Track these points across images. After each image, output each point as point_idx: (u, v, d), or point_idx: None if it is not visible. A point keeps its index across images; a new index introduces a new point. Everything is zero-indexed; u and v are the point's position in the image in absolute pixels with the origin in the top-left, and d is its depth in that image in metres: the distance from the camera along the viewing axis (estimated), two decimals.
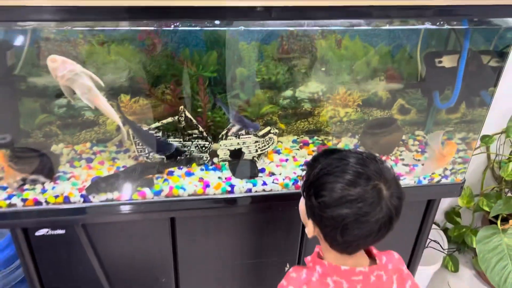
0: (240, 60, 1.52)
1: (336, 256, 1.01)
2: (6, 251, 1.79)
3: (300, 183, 1.11)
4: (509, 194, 2.11)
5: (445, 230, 2.37)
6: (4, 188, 1.38)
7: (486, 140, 2.01)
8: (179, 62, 1.46)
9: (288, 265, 1.66)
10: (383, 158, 1.58)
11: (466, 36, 1.29)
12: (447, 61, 1.42)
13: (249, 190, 1.44)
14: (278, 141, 1.65)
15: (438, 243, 2.25)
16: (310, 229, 1.02)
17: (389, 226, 0.94)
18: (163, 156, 1.48)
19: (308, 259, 1.07)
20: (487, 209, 2.05)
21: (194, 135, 1.48)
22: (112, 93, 1.48)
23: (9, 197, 1.34)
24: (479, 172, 2.30)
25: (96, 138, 1.59)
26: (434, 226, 2.41)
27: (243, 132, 1.48)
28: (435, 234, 2.32)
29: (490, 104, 1.43)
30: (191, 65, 1.44)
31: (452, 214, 2.36)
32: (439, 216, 2.47)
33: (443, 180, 1.53)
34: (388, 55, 1.56)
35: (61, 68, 1.14)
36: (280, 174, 1.49)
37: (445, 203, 2.43)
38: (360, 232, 0.92)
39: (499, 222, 2.00)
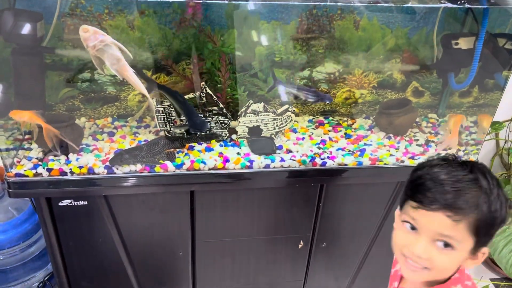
0: (261, 39, 1.55)
1: None
2: (24, 225, 1.83)
3: None
4: None
5: None
6: (29, 159, 1.42)
7: (496, 126, 2.04)
8: (205, 36, 1.49)
9: (301, 242, 1.70)
10: (398, 138, 1.62)
11: (485, 16, 1.32)
12: (463, 43, 1.45)
13: (268, 166, 1.47)
14: (295, 121, 1.68)
15: None
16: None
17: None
18: (192, 132, 1.51)
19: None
20: None
21: (214, 112, 1.51)
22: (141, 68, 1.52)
23: (35, 167, 1.38)
24: (488, 159, 2.33)
25: (117, 113, 1.63)
26: None
27: (261, 109, 1.52)
28: None
29: (504, 87, 1.47)
30: (216, 41, 1.47)
31: None
32: None
33: None
34: (405, 37, 1.59)
35: (93, 38, 1.17)
36: (297, 152, 1.53)
37: None
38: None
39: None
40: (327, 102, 1.58)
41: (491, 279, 2.27)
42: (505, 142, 2.19)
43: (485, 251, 0.90)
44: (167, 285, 1.72)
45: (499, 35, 1.46)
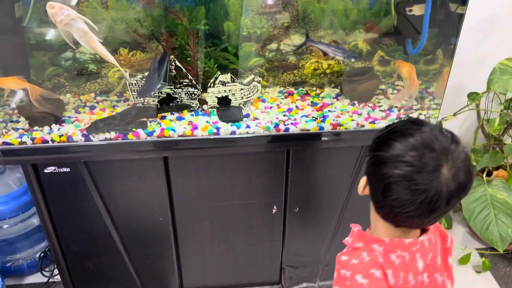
0: (227, 14, 1.65)
1: (387, 230, 0.97)
2: (23, 197, 2.00)
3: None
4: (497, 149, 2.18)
5: None
6: (17, 129, 1.56)
7: (473, 97, 2.09)
8: (172, 14, 1.60)
9: (275, 207, 1.80)
10: (361, 104, 1.69)
11: None
12: (417, 10, 1.51)
13: (233, 132, 1.57)
14: (265, 92, 1.78)
15: None
16: (361, 185, 1.00)
17: (434, 208, 0.87)
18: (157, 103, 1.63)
19: (348, 240, 1.04)
20: (474, 163, 2.12)
21: (184, 83, 1.62)
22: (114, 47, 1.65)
23: (20, 136, 1.52)
24: (471, 131, 2.37)
25: (100, 89, 1.76)
26: None
27: (229, 80, 1.62)
28: None
29: (454, 51, 1.52)
30: (181, 18, 1.58)
31: None
32: None
33: None
34: (365, 7, 1.66)
35: (59, 13, 1.29)
36: (263, 119, 1.62)
37: None
38: (400, 198, 0.87)
39: (484, 174, 2.08)
40: (353, 60, 1.59)
41: (477, 249, 2.31)
42: (485, 113, 2.22)
43: None
44: (152, 249, 1.84)
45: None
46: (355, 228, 1.04)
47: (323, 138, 1.60)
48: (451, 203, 0.88)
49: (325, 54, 1.63)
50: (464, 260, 2.18)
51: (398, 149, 0.88)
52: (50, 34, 1.58)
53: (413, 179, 0.85)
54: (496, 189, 2.02)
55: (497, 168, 2.16)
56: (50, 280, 2.13)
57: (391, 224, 0.96)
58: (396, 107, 1.68)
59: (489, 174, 2.13)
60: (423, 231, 1.01)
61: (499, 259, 2.27)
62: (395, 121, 0.99)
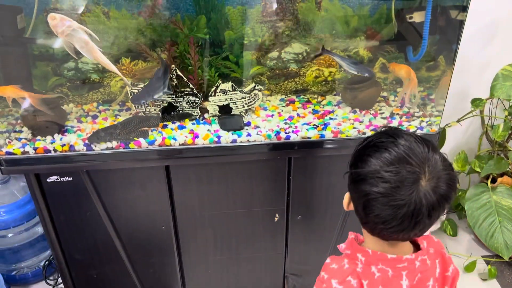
0: (228, 23, 1.66)
1: (376, 243, 0.97)
2: (27, 206, 2.01)
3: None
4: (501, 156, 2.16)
5: None
6: (20, 139, 1.57)
7: (477, 103, 2.07)
8: (172, 24, 1.61)
9: (277, 215, 1.79)
10: (363, 112, 1.69)
11: None
12: (417, 17, 1.51)
13: (234, 141, 1.57)
14: (266, 100, 1.78)
15: None
16: (345, 201, 1.00)
17: (416, 222, 0.86)
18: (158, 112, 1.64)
19: (342, 246, 1.04)
20: (478, 170, 2.11)
21: (185, 92, 1.63)
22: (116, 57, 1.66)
23: (23, 146, 1.54)
24: (475, 137, 2.36)
25: (102, 99, 1.77)
26: None
27: (229, 88, 1.62)
28: None
29: (455, 57, 1.51)
30: (181, 28, 1.59)
31: None
32: None
33: (419, 131, 1.62)
34: (366, 15, 1.66)
35: (60, 24, 1.31)
36: (264, 127, 1.62)
37: None
38: (382, 214, 0.87)
39: (489, 181, 2.06)
40: (367, 75, 1.59)
41: (483, 256, 2.28)
42: (489, 119, 2.21)
43: None
44: (155, 258, 1.85)
45: (453, 7, 1.52)
46: (351, 236, 1.04)
47: (324, 146, 1.60)
48: (433, 215, 0.87)
49: (340, 66, 1.65)
50: (469, 267, 2.16)
51: (374, 165, 0.87)
52: (52, 44, 1.60)
53: (391, 195, 0.85)
54: (500, 196, 2.00)
55: (501, 175, 2.14)
56: None
57: (378, 237, 0.95)
58: (398, 114, 1.68)
59: (493, 180, 2.12)
60: (418, 249, 1.00)
61: (506, 266, 2.25)
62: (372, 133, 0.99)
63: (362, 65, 1.60)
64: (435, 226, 2.40)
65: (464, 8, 1.42)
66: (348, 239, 1.04)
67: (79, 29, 1.34)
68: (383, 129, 0.95)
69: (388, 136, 0.90)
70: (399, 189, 0.84)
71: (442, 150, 2.05)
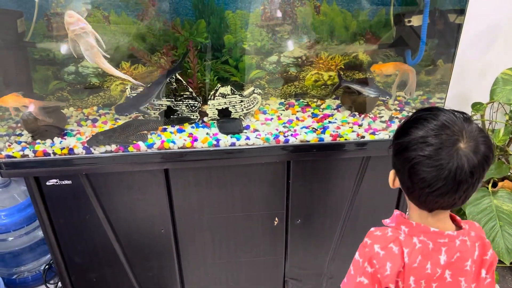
0: (227, 27, 1.67)
1: (421, 217, 1.04)
2: (27, 210, 2.02)
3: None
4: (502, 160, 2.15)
5: None
6: (19, 143, 1.58)
7: (478, 107, 2.07)
8: (173, 29, 1.62)
9: (277, 219, 1.79)
10: (362, 115, 1.69)
11: None
12: (415, 21, 1.51)
13: (233, 144, 1.58)
14: (266, 104, 1.79)
15: None
16: (391, 178, 1.07)
17: (459, 181, 0.93)
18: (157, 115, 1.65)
19: (386, 221, 1.11)
20: None
21: (185, 96, 1.63)
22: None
23: (23, 149, 1.54)
24: None
25: (102, 102, 1.78)
26: None
27: (229, 92, 1.63)
28: None
29: (453, 60, 1.51)
30: (180, 32, 1.60)
31: None
32: None
33: None
34: (365, 19, 1.66)
35: (75, 24, 1.33)
36: (263, 131, 1.63)
37: None
38: (427, 177, 0.94)
39: (490, 185, 2.06)
40: (388, 98, 1.67)
41: None
42: (490, 123, 2.20)
43: None
44: (154, 261, 1.84)
45: (451, 11, 1.52)
46: (396, 212, 1.10)
47: (323, 150, 1.59)
48: (475, 174, 0.93)
49: (359, 93, 1.67)
50: None
51: (416, 134, 0.96)
52: (53, 48, 1.61)
53: (434, 156, 0.93)
54: (501, 200, 1.99)
55: (502, 179, 2.13)
56: None
57: (424, 209, 1.02)
58: (397, 118, 1.68)
59: (494, 185, 2.11)
60: (459, 229, 1.06)
61: (508, 271, 2.23)
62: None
63: (381, 88, 1.63)
64: None
65: (462, 12, 1.42)
66: (394, 214, 1.10)
67: (90, 33, 1.35)
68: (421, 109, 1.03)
69: (427, 111, 0.99)
70: (441, 150, 0.92)
71: None
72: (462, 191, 0.95)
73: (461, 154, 0.92)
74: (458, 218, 1.08)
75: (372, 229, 1.09)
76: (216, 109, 1.65)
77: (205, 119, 1.69)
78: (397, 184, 1.06)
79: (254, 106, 1.68)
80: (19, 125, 1.66)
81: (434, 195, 0.96)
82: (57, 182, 1.61)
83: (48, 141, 1.58)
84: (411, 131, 0.97)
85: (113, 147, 1.55)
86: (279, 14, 1.67)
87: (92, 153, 1.54)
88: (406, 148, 0.97)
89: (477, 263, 1.06)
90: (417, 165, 0.95)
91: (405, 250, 1.02)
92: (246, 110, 1.67)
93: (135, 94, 1.61)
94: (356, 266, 1.08)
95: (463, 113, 0.97)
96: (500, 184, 2.09)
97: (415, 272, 1.02)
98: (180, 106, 1.64)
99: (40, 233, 2.12)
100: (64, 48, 1.64)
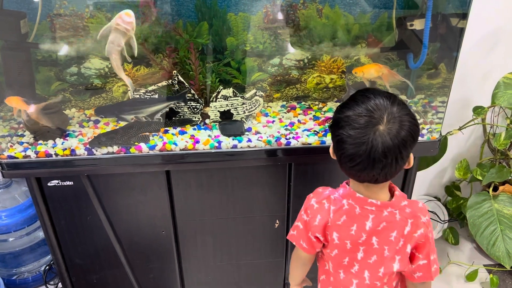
0: (230, 29, 1.67)
1: (356, 185, 1.18)
2: (28, 210, 2.02)
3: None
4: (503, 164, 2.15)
5: (446, 206, 2.43)
6: (21, 143, 1.58)
7: (478, 111, 2.07)
8: (174, 31, 1.62)
9: (278, 222, 1.79)
10: None
11: None
12: (418, 24, 1.52)
13: (235, 146, 1.58)
14: (267, 106, 1.79)
15: (436, 213, 2.32)
16: (331, 150, 1.21)
17: (373, 159, 1.06)
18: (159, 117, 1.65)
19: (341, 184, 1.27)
20: (480, 178, 2.10)
21: (187, 97, 1.64)
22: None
23: (25, 150, 1.55)
24: (477, 146, 2.35)
25: (104, 104, 1.78)
26: (434, 199, 2.48)
27: (231, 94, 1.63)
28: (435, 206, 2.39)
29: (455, 65, 1.52)
30: (181, 34, 1.60)
31: (451, 188, 2.41)
32: (440, 191, 2.53)
33: (420, 139, 1.62)
34: (367, 22, 1.67)
35: (123, 21, 1.35)
36: (265, 133, 1.63)
37: (445, 178, 2.49)
38: (347, 153, 1.08)
39: (491, 189, 2.06)
40: None
41: (485, 265, 2.27)
42: (491, 127, 2.20)
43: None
44: (154, 263, 1.84)
45: (454, 15, 1.52)
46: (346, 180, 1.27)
47: (325, 152, 1.59)
48: (388, 155, 1.05)
49: None
50: (471, 276, 2.15)
51: (346, 113, 1.09)
52: (56, 50, 1.62)
53: (354, 136, 1.06)
54: (502, 204, 1.99)
55: (503, 183, 2.13)
56: None
57: (354, 180, 1.17)
58: None
59: (495, 189, 2.11)
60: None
61: (508, 275, 2.23)
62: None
63: None
64: (436, 235, 2.39)
65: (464, 16, 1.43)
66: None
67: (129, 36, 1.38)
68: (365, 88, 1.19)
69: (362, 92, 1.12)
70: (360, 130, 1.05)
71: (443, 158, 2.05)
72: (379, 169, 1.07)
73: (377, 135, 1.04)
74: (397, 193, 1.19)
75: (319, 187, 1.30)
76: (218, 111, 1.65)
77: (207, 121, 1.69)
78: (335, 157, 1.19)
79: (256, 109, 1.68)
80: (21, 125, 1.66)
81: (354, 169, 1.10)
82: (58, 183, 1.61)
83: (50, 142, 1.58)
84: (343, 110, 1.10)
85: (115, 148, 1.55)
86: (281, 16, 1.67)
87: (94, 155, 1.55)
88: (336, 124, 1.12)
89: (405, 238, 1.17)
90: (341, 141, 1.09)
91: (332, 207, 1.20)
92: (248, 112, 1.67)
93: (131, 98, 1.63)
94: (299, 214, 1.30)
95: (391, 95, 1.09)
96: (501, 188, 2.09)
97: (339, 230, 1.19)
98: (182, 108, 1.65)
99: (40, 234, 2.12)
100: (66, 49, 1.65)
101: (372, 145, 1.04)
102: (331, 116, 1.17)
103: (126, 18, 1.36)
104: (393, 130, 1.04)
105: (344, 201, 1.19)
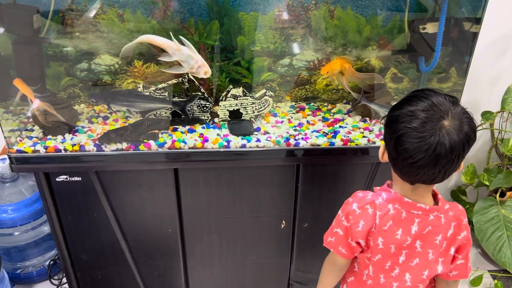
0: (240, 29, 1.67)
1: (402, 188, 1.15)
2: (35, 205, 2.02)
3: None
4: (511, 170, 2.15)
5: None
6: (31, 138, 1.59)
7: (487, 116, 2.07)
8: (184, 30, 1.62)
9: (284, 222, 1.79)
10: (373, 121, 1.69)
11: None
12: (430, 27, 1.51)
13: (244, 146, 1.58)
14: (276, 107, 1.79)
15: None
16: (381, 151, 1.18)
17: (438, 155, 1.01)
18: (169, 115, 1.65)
19: (377, 188, 1.23)
20: (487, 183, 2.10)
21: (186, 107, 1.63)
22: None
23: (34, 144, 1.55)
24: (484, 151, 2.34)
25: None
26: None
27: (240, 94, 1.63)
28: None
29: (468, 68, 1.51)
30: (192, 32, 1.60)
31: (457, 193, 2.41)
32: (446, 195, 2.52)
33: None
34: (378, 24, 1.66)
35: (196, 68, 1.48)
36: (274, 133, 1.63)
37: (451, 182, 2.48)
38: (410, 148, 1.02)
39: (498, 195, 2.05)
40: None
41: (489, 271, 2.26)
42: (499, 132, 2.20)
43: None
44: (160, 260, 1.84)
45: (466, 19, 1.52)
46: (387, 182, 1.23)
47: (333, 154, 1.59)
48: (454, 151, 1.01)
49: (376, 112, 1.68)
50: (476, 282, 2.14)
51: (407, 108, 1.05)
52: (67, 45, 1.62)
53: (419, 129, 1.01)
54: (509, 210, 1.99)
55: (510, 189, 2.12)
56: None
57: (406, 181, 1.11)
58: None
59: (502, 194, 2.10)
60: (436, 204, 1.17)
61: None
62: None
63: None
64: None
65: (478, 21, 1.42)
66: (384, 184, 1.23)
67: (199, 66, 1.50)
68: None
69: (421, 91, 1.08)
70: (426, 124, 1.01)
71: None
72: (441, 166, 1.03)
73: (443, 130, 1.00)
74: (440, 197, 1.18)
75: (358, 191, 1.23)
76: (227, 110, 1.65)
77: (216, 120, 1.69)
78: (386, 158, 1.15)
79: (265, 109, 1.68)
80: (30, 120, 1.67)
81: (415, 166, 1.04)
82: (67, 178, 1.61)
83: (59, 137, 1.59)
84: (403, 106, 1.06)
85: (124, 145, 1.55)
86: (292, 17, 1.66)
87: (103, 151, 1.55)
88: (395, 120, 1.06)
89: (448, 241, 1.16)
90: (403, 136, 1.03)
91: (378, 213, 1.15)
92: (257, 112, 1.67)
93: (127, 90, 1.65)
94: (337, 219, 1.25)
95: (452, 96, 1.06)
96: (508, 194, 2.08)
97: (384, 235, 1.15)
98: (191, 106, 1.65)
99: (46, 229, 2.12)
100: (77, 45, 1.65)
101: (439, 139, 1.00)
102: (388, 115, 1.12)
103: (202, 73, 1.47)
104: (457, 125, 1.01)
105: (390, 206, 1.15)
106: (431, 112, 1.01)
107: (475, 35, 1.43)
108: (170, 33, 1.47)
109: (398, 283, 1.21)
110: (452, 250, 1.18)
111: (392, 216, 1.14)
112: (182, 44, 1.47)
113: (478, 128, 2.11)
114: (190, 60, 1.46)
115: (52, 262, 2.16)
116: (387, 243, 1.16)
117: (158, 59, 1.49)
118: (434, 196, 1.19)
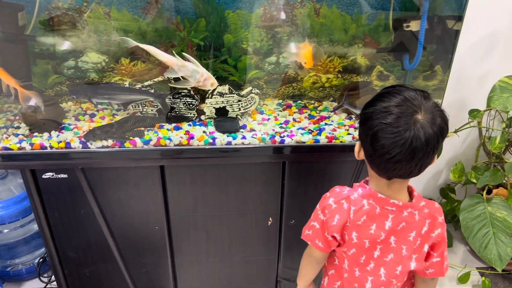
0: (227, 27, 1.68)
1: (377, 185, 1.17)
2: (23, 202, 2.03)
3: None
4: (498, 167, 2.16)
5: None
6: (17, 135, 1.59)
7: (475, 114, 2.08)
8: (173, 26, 1.63)
9: (271, 219, 1.80)
10: (358, 119, 1.70)
11: None
12: (414, 25, 1.52)
13: (229, 143, 1.58)
14: (263, 104, 1.79)
15: None
16: (356, 149, 1.19)
17: (414, 148, 1.02)
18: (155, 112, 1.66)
19: (356, 183, 1.24)
20: (474, 181, 2.11)
21: (182, 94, 1.64)
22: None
23: (20, 141, 1.55)
24: (473, 148, 2.36)
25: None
26: None
27: (226, 91, 1.64)
28: None
29: (450, 65, 1.52)
30: (180, 29, 1.61)
31: (446, 190, 2.42)
32: (435, 193, 2.53)
33: None
34: (364, 23, 1.67)
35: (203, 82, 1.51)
36: (260, 131, 1.63)
37: (440, 180, 2.49)
38: (386, 143, 1.03)
39: (484, 192, 2.06)
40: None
41: (477, 268, 2.28)
42: (487, 130, 2.21)
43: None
44: (147, 258, 1.85)
45: (450, 17, 1.53)
46: (366, 178, 1.24)
47: (318, 151, 1.60)
48: (429, 144, 1.03)
49: (357, 116, 1.68)
50: (463, 279, 2.15)
51: (380, 105, 1.06)
52: (53, 43, 1.62)
53: (394, 124, 1.02)
54: (496, 208, 2.00)
55: (497, 186, 2.14)
56: (48, 286, 2.14)
57: (383, 177, 1.12)
58: None
59: (489, 192, 2.11)
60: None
61: (500, 279, 2.24)
62: None
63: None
64: None
65: (460, 18, 1.43)
66: (362, 180, 1.25)
67: (205, 78, 1.51)
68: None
69: (392, 88, 1.10)
70: (400, 119, 1.02)
71: (439, 161, 2.05)
72: (418, 159, 1.04)
73: (418, 124, 1.01)
74: (416, 194, 1.19)
75: (336, 186, 1.26)
76: (214, 107, 1.66)
77: (202, 117, 1.70)
78: (362, 155, 1.16)
79: (251, 106, 1.68)
80: (17, 117, 1.67)
81: (392, 161, 1.05)
82: (53, 175, 1.61)
83: (45, 134, 1.59)
84: (376, 103, 1.07)
85: (110, 142, 1.56)
86: (279, 15, 1.67)
87: (89, 148, 1.55)
88: (370, 117, 1.07)
89: (422, 238, 1.18)
90: (378, 132, 1.04)
91: (352, 207, 1.17)
92: (244, 109, 1.68)
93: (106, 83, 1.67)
94: (314, 213, 1.28)
95: (423, 91, 1.08)
96: (494, 191, 2.09)
97: (359, 229, 1.18)
98: (177, 104, 1.65)
99: (35, 226, 2.13)
100: (64, 43, 1.66)
101: (414, 133, 1.01)
102: (361, 112, 1.12)
103: (208, 85, 1.50)
104: (430, 119, 1.02)
105: (364, 201, 1.17)
106: (404, 107, 1.03)
107: (457, 33, 1.44)
108: (173, 51, 1.49)
109: (373, 277, 1.23)
110: (426, 247, 1.19)
111: (367, 211, 1.17)
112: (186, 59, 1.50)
113: (466, 127, 2.12)
114: (196, 74, 1.48)
115: (41, 259, 2.17)
116: (361, 237, 1.18)
117: (164, 74, 1.51)
118: (411, 192, 1.20)
